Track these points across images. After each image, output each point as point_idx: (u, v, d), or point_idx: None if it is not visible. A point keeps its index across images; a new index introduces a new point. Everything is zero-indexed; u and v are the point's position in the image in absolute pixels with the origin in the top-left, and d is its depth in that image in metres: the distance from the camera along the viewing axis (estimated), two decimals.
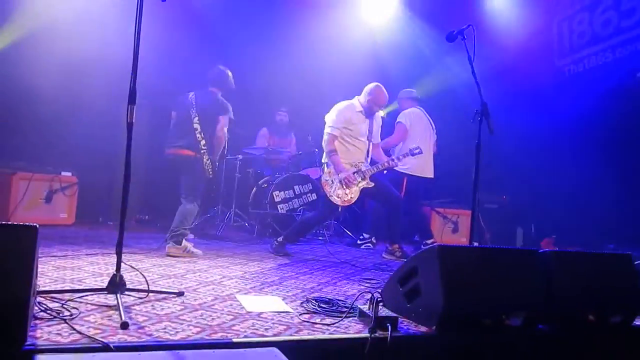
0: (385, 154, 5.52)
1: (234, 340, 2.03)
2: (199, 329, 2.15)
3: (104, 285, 2.52)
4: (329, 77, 6.91)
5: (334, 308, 2.61)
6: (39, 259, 2.13)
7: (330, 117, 4.67)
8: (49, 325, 2.02)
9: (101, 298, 2.50)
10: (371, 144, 4.82)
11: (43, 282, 2.79)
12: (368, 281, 3.59)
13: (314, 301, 2.70)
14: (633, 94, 5.74)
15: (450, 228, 6.36)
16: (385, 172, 4.95)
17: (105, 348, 1.81)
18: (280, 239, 4.66)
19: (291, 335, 2.17)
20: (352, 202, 4.61)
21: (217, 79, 4.54)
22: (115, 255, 2.53)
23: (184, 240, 4.16)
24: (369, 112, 4.76)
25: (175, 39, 6.07)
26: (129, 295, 2.60)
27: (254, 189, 6.27)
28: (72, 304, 2.35)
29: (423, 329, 2.36)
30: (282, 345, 1.91)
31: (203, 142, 4.32)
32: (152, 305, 2.48)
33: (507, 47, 6.73)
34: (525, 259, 2.56)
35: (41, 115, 5.60)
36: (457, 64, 5.83)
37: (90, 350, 1.79)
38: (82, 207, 5.76)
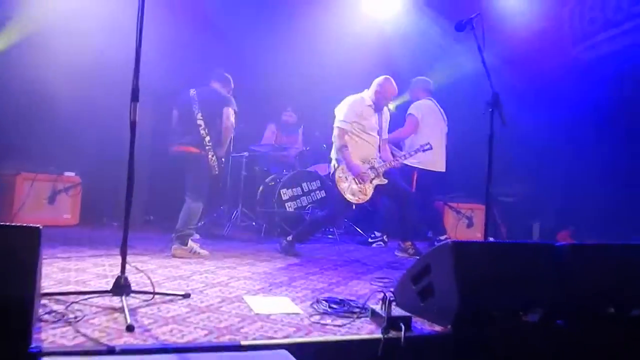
0: (396, 146, 5.49)
1: (242, 342, 2.02)
2: (206, 332, 2.14)
3: (109, 287, 2.52)
4: (336, 70, 6.88)
5: (345, 308, 2.59)
6: (43, 261, 2.14)
7: (340, 111, 4.65)
8: (53, 328, 2.02)
9: (106, 300, 2.50)
10: (381, 139, 4.80)
11: (47, 284, 2.80)
12: (380, 280, 3.56)
13: (324, 302, 2.68)
14: None
15: (465, 223, 6.33)
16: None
17: (111, 351, 1.81)
18: (289, 238, 4.66)
19: (301, 337, 2.16)
20: (367, 199, 4.59)
21: (220, 77, 4.56)
22: (119, 257, 2.53)
23: (189, 241, 4.16)
24: (378, 106, 4.74)
25: (179, 36, 6.06)
26: (134, 297, 2.60)
27: (261, 187, 6.27)
28: (76, 306, 2.36)
29: (438, 328, 2.34)
30: (292, 348, 1.90)
31: (207, 138, 4.32)
32: (158, 308, 2.48)
33: (518, 35, 6.66)
34: (541, 253, 2.54)
35: (44, 115, 5.64)
36: (467, 53, 5.78)
37: (95, 354, 1.79)
38: (86, 208, 5.79)
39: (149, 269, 3.45)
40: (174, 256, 4.06)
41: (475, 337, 2.29)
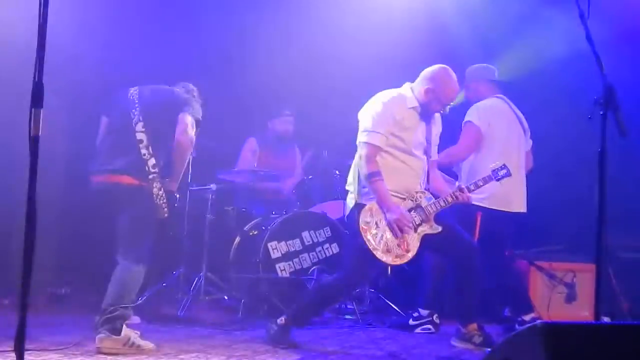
0: (448, 173, 5.48)
1: None
2: None
3: None
4: (356, 55, 6.96)
5: None
6: None
7: (368, 116, 4.60)
8: None
9: None
10: (429, 161, 4.82)
11: None
12: None
13: None
14: None
15: (563, 294, 6.27)
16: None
17: None
18: (281, 320, 4.64)
19: None
20: (409, 258, 4.56)
21: (182, 85, 4.65)
22: (13, 356, 2.51)
23: (124, 327, 4.14)
24: (427, 112, 4.74)
25: (115, 8, 6.20)
26: None
27: (237, 238, 6.27)
28: None
29: None
30: None
31: (152, 161, 4.34)
32: None
33: None
34: None
35: None
36: (560, 27, 5.81)
37: None
38: None
39: None
40: (100, 352, 4.03)
41: None
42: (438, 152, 5.06)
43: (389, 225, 4.49)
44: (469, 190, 4.77)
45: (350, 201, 4.69)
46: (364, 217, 4.50)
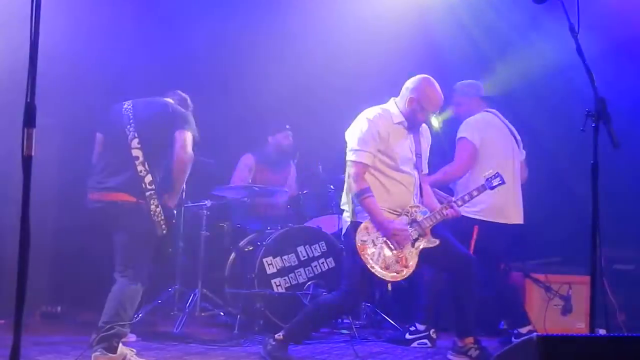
0: (447, 192, 5.48)
1: None
2: None
3: None
4: (347, 68, 6.98)
5: None
6: None
7: (354, 135, 4.64)
8: None
9: None
10: (421, 175, 4.82)
11: None
12: None
13: None
14: None
15: (559, 307, 6.27)
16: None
17: None
18: (278, 336, 4.63)
19: None
20: (409, 274, 4.56)
21: (173, 95, 4.64)
22: None
23: (120, 345, 4.14)
24: (412, 124, 4.76)
25: (111, 22, 6.21)
26: None
27: (232, 254, 6.26)
28: None
29: None
30: None
31: (149, 178, 4.34)
32: None
33: (635, 10, 6.75)
34: None
35: None
36: (551, 39, 5.84)
37: None
38: None
39: None
40: None
41: None
42: (433, 170, 5.07)
43: (386, 240, 4.50)
44: (463, 202, 4.81)
45: (347, 219, 4.71)
46: (360, 236, 4.50)
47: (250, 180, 6.81)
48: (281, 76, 6.95)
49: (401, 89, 4.81)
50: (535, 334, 2.43)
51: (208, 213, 6.40)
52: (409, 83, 4.76)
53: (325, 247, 6.13)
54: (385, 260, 4.50)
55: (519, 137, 5.76)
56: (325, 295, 5.36)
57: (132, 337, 4.90)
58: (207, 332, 5.84)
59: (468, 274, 4.69)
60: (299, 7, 6.95)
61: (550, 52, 6.27)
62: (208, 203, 6.39)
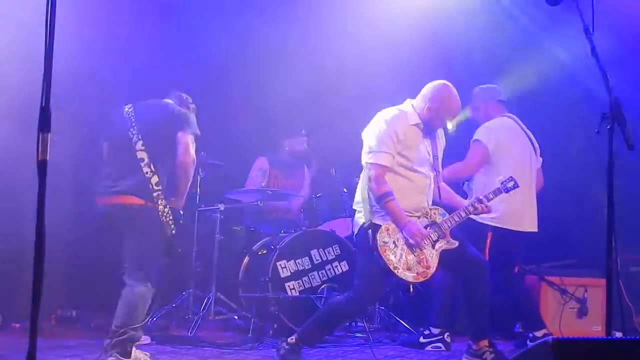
0: (453, 188, 5.47)
1: None
2: None
3: None
4: (359, 76, 6.98)
5: None
6: None
7: (373, 135, 4.61)
8: None
9: None
10: (437, 177, 4.81)
11: None
12: None
13: None
14: None
15: (574, 310, 6.23)
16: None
17: None
18: (292, 339, 4.63)
19: None
20: (430, 275, 4.56)
21: (173, 95, 4.65)
22: None
23: (133, 350, 4.15)
24: (429, 128, 4.74)
25: (120, 25, 6.23)
26: None
27: (246, 258, 6.26)
28: None
29: None
30: None
31: (155, 179, 4.35)
32: None
33: None
34: None
35: None
36: (566, 40, 5.81)
37: None
38: None
39: None
40: None
41: None
42: (442, 167, 5.06)
43: (407, 242, 4.49)
44: (489, 199, 4.75)
45: (359, 220, 4.68)
46: (381, 238, 4.47)
47: (264, 184, 6.82)
48: (296, 80, 6.96)
49: (418, 92, 4.77)
50: (550, 337, 2.42)
51: (222, 217, 6.42)
52: (427, 91, 4.72)
53: (338, 251, 6.12)
54: (407, 261, 4.49)
55: (536, 145, 5.73)
56: (337, 297, 5.35)
57: (146, 340, 4.92)
58: (221, 336, 5.84)
59: (482, 277, 4.68)
60: (314, 12, 6.97)
61: (565, 55, 6.26)
62: (222, 207, 6.40)
